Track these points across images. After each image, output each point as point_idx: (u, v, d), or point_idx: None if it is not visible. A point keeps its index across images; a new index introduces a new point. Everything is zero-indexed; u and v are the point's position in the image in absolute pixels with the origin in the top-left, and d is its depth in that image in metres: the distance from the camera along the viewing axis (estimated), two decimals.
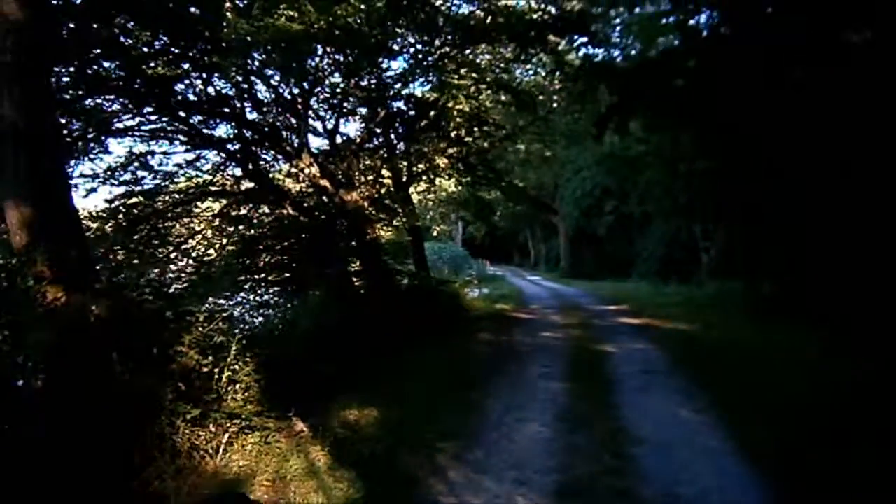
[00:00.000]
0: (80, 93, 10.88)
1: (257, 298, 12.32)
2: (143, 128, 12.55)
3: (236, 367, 5.93)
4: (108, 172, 12.88)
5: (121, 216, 12.83)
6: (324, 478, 5.39)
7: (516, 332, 13.76)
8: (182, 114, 12.47)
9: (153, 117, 12.47)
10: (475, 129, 16.90)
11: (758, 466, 5.20)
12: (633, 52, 17.92)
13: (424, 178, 19.20)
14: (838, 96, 10.53)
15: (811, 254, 12.92)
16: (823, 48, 10.74)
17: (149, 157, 13.28)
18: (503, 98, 17.96)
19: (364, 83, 14.16)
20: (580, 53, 18.33)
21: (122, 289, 5.57)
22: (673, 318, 14.53)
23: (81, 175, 12.57)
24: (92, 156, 12.65)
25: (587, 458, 5.59)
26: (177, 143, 13.44)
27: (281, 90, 13.60)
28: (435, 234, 46.66)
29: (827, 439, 5.64)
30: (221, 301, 9.85)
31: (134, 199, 13.18)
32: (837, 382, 7.63)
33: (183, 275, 11.94)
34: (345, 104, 14.96)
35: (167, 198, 13.80)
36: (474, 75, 15.55)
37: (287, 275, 13.58)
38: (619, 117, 15.68)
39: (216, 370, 5.79)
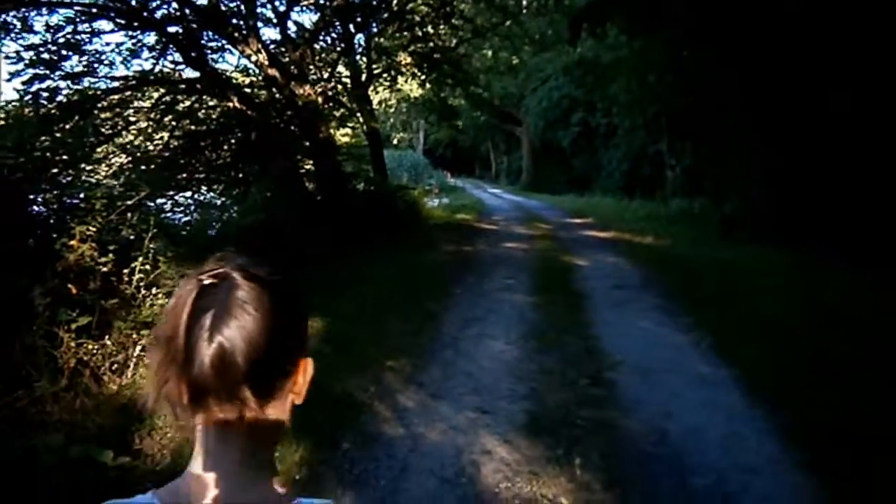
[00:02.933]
0: None
1: (197, 197, 11.25)
2: (72, 2, 11.02)
3: (148, 267, 4.94)
4: (35, 55, 11.43)
5: (44, 101, 11.40)
6: None
7: (478, 242, 12.94)
8: None
9: None
10: (442, 22, 15.55)
11: (754, 397, 4.49)
12: None
13: (385, 76, 17.90)
14: None
15: (777, 175, 12.37)
16: None
17: (78, 35, 11.81)
18: None
19: None
20: None
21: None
22: (640, 232, 13.84)
23: (6, 57, 11.13)
24: (14, 35, 11.21)
25: (560, 383, 4.81)
26: (111, 23, 11.92)
27: None
28: (395, 142, 45.20)
29: (819, 365, 5.00)
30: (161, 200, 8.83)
31: (59, 83, 11.74)
32: (815, 302, 7.07)
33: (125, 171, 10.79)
34: None
35: (101, 84, 12.36)
36: None
37: (231, 173, 12.44)
38: (595, 18, 14.70)
39: (125, 271, 4.81)
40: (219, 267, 0.86)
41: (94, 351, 4.11)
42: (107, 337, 4.23)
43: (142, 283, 5.06)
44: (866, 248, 9.08)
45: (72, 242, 4.22)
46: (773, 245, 10.61)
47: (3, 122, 9.86)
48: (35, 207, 4.96)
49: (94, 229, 4.42)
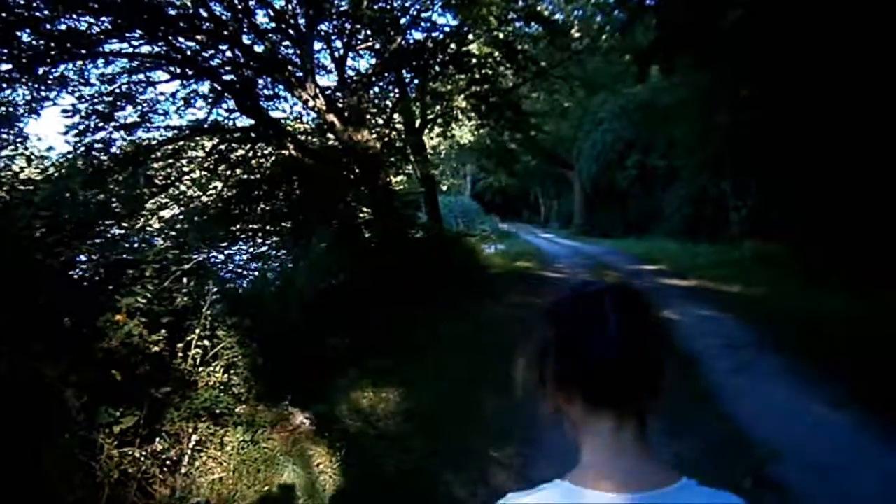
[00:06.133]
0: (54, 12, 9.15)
1: (251, 250, 10.61)
2: (130, 53, 10.76)
3: (206, 343, 4.15)
4: (90, 106, 11.16)
5: (97, 153, 11.09)
6: None
7: (547, 292, 11.92)
8: (173, 39, 10.64)
9: (139, 42, 10.65)
10: (504, 60, 14.94)
11: None
12: None
13: (439, 121, 17.30)
14: None
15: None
16: None
17: (131, 85, 11.53)
18: (532, 31, 15.99)
19: (377, 6, 12.23)
20: None
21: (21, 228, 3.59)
22: (723, 279, 12.74)
23: (63, 110, 10.94)
24: (71, 88, 10.96)
25: (715, 483, 3.81)
26: (166, 73, 11.62)
27: (285, 12, 11.72)
28: (445, 188, 44.68)
29: None
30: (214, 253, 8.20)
31: (112, 134, 11.42)
32: None
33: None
34: (356, 32, 13.04)
35: (154, 134, 12.02)
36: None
37: (288, 223, 11.85)
38: (664, 53, 14.00)
39: (178, 346, 4.03)
40: (590, 283, 0.99)
41: (142, 458, 3.28)
42: (157, 439, 3.41)
43: (197, 360, 4.28)
44: None
45: (117, 318, 3.44)
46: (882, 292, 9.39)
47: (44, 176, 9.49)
48: (77, 271, 4.22)
49: (143, 301, 3.64)
